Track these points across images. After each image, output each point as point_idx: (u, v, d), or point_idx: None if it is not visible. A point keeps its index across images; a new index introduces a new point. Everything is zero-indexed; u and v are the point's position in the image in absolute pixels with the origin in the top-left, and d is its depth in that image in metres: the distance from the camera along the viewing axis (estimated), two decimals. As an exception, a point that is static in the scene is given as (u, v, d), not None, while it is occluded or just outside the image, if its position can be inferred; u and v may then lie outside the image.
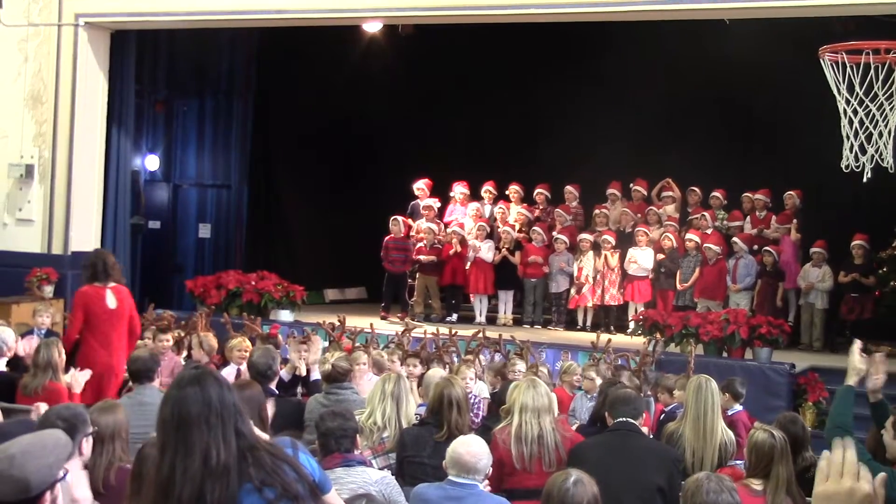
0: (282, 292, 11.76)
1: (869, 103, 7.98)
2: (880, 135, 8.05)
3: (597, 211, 13.22)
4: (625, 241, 12.70)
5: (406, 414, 5.73)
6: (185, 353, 8.60)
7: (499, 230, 13.16)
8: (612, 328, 12.38)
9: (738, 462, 5.91)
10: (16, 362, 7.40)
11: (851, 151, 8.15)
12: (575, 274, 12.58)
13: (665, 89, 13.52)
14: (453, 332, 9.74)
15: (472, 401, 6.62)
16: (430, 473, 5.05)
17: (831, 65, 8.11)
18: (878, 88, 7.88)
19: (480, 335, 9.56)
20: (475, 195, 13.76)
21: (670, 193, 13.16)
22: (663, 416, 6.98)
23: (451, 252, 12.91)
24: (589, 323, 12.71)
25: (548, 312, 12.96)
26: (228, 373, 7.69)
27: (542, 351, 9.64)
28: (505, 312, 13.00)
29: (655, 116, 13.65)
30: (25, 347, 7.71)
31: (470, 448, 4.46)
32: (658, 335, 10.17)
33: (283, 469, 2.76)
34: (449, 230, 13.14)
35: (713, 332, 9.88)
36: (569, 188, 13.52)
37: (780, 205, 12.57)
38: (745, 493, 4.39)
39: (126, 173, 13.03)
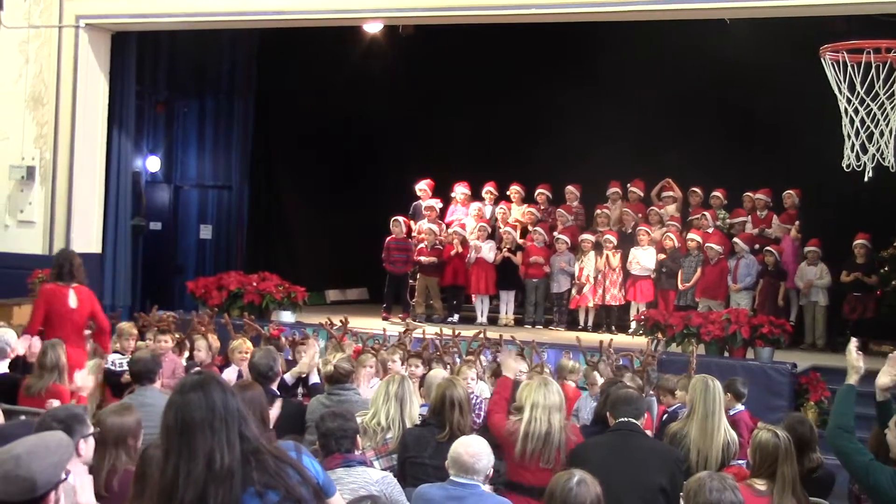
0: (283, 293, 11.76)
1: (870, 102, 7.97)
2: (881, 134, 8.05)
3: (598, 211, 13.23)
4: (626, 241, 12.70)
5: (410, 415, 5.73)
6: (185, 355, 8.60)
7: (500, 230, 13.16)
8: (613, 328, 12.40)
9: (740, 462, 5.90)
10: (15, 364, 7.39)
11: (852, 151, 8.14)
12: (576, 274, 12.58)
13: (665, 89, 13.51)
14: (455, 332, 9.73)
15: (473, 401, 6.62)
16: (431, 474, 5.05)
17: (832, 64, 8.10)
18: (879, 87, 7.88)
19: (481, 336, 9.55)
20: (476, 196, 13.75)
21: (671, 193, 13.16)
22: (666, 416, 6.97)
23: (453, 253, 12.91)
24: (590, 323, 12.71)
25: (549, 313, 12.96)
26: (230, 374, 7.71)
27: (544, 351, 9.64)
28: (506, 313, 12.99)
29: (656, 116, 13.66)
30: (24, 345, 7.70)
31: (469, 448, 4.46)
32: (659, 335, 10.17)
33: (286, 472, 2.76)
34: (450, 231, 13.14)
35: (715, 332, 9.87)
36: (570, 188, 13.52)
37: (779, 204, 12.57)
38: (748, 493, 4.38)
39: (127, 174, 13.03)
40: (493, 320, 12.88)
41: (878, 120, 8.03)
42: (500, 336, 9.57)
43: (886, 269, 11.70)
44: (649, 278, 12.36)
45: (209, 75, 14.91)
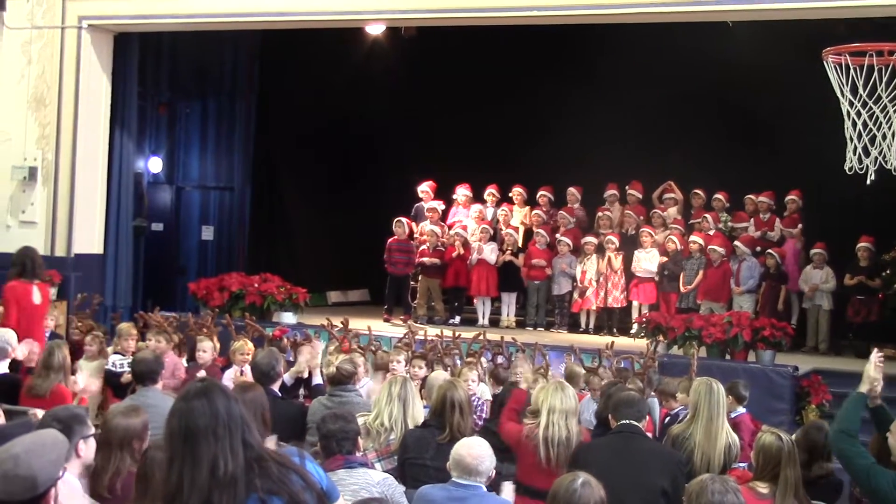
0: (285, 294, 11.77)
1: (872, 105, 7.96)
2: (884, 137, 8.03)
3: (600, 213, 13.23)
4: (628, 243, 12.70)
5: (413, 416, 5.73)
6: (186, 356, 8.59)
7: (502, 232, 13.17)
8: (614, 330, 12.39)
9: (741, 465, 5.90)
10: (15, 364, 7.40)
11: (855, 154, 8.12)
12: (578, 277, 12.57)
13: (667, 91, 13.51)
14: (456, 334, 9.73)
15: (474, 403, 6.62)
16: (432, 475, 5.05)
17: (835, 67, 8.09)
18: (882, 90, 7.86)
19: (482, 337, 9.55)
20: (478, 198, 13.76)
21: (672, 195, 13.15)
22: (668, 419, 6.96)
23: (454, 254, 12.91)
24: (592, 325, 12.71)
25: (550, 315, 12.96)
26: (230, 374, 7.70)
27: (547, 353, 9.62)
28: (508, 315, 12.99)
29: (657, 118, 13.66)
30: (24, 350, 7.70)
31: (472, 450, 4.46)
32: (661, 337, 10.16)
33: (290, 478, 2.78)
34: (452, 232, 13.14)
35: (716, 335, 9.87)
36: (571, 190, 13.52)
37: (782, 207, 12.55)
38: (751, 496, 4.37)
39: (129, 175, 13.04)
40: (494, 322, 12.88)
41: (881, 123, 8.02)
42: (502, 338, 9.57)
43: (889, 272, 11.68)
44: (652, 281, 12.36)
45: (211, 76, 14.92)
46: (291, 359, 8.39)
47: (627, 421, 5.11)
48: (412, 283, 13.30)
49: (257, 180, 14.86)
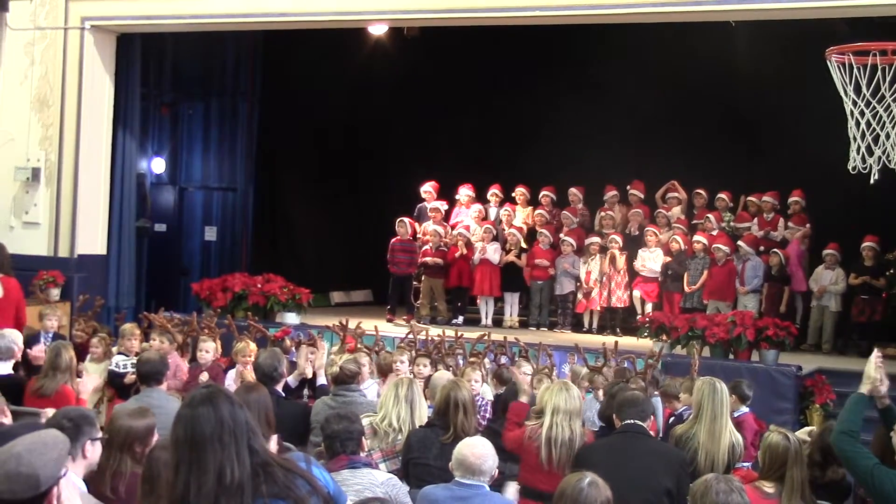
0: (288, 295, 11.77)
1: (876, 105, 7.94)
2: (887, 136, 8.02)
3: (602, 213, 13.22)
4: (631, 242, 12.69)
5: (420, 417, 5.73)
6: (189, 356, 8.59)
7: (505, 232, 13.16)
8: (618, 330, 12.39)
9: (745, 464, 5.89)
10: (17, 365, 7.39)
11: (858, 153, 8.11)
12: (583, 278, 12.56)
13: (670, 90, 13.51)
14: (459, 334, 9.73)
15: (477, 403, 6.61)
16: (435, 475, 5.05)
17: (838, 66, 8.08)
18: (885, 89, 7.85)
19: (485, 338, 9.55)
20: (481, 198, 13.76)
21: (675, 195, 13.14)
22: (672, 419, 6.95)
23: (457, 254, 12.91)
24: (595, 325, 12.70)
25: (554, 315, 12.95)
26: (233, 374, 7.70)
27: (551, 353, 9.62)
28: (511, 315, 12.99)
29: (660, 118, 13.65)
30: (29, 351, 7.71)
31: (475, 450, 4.46)
32: (664, 337, 10.15)
33: (296, 483, 2.78)
34: (454, 232, 13.15)
35: (719, 335, 9.86)
36: (573, 190, 13.52)
37: (786, 207, 12.53)
38: (756, 495, 4.37)
39: (132, 176, 13.05)
40: (497, 322, 12.88)
41: (884, 122, 8.00)
42: (505, 338, 9.57)
43: (893, 271, 11.66)
44: (655, 280, 12.35)
45: (214, 77, 14.94)
46: (295, 359, 8.39)
47: (632, 421, 5.10)
48: (415, 283, 13.30)
49: (260, 181, 14.87)
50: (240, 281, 11.85)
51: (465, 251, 12.91)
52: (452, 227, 13.36)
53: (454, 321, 12.74)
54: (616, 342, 9.60)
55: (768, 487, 4.49)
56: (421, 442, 5.38)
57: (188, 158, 15.12)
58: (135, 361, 7.05)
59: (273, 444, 3.94)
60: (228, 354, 8.37)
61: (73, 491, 3.10)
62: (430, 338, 9.60)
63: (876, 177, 8.15)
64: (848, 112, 8.14)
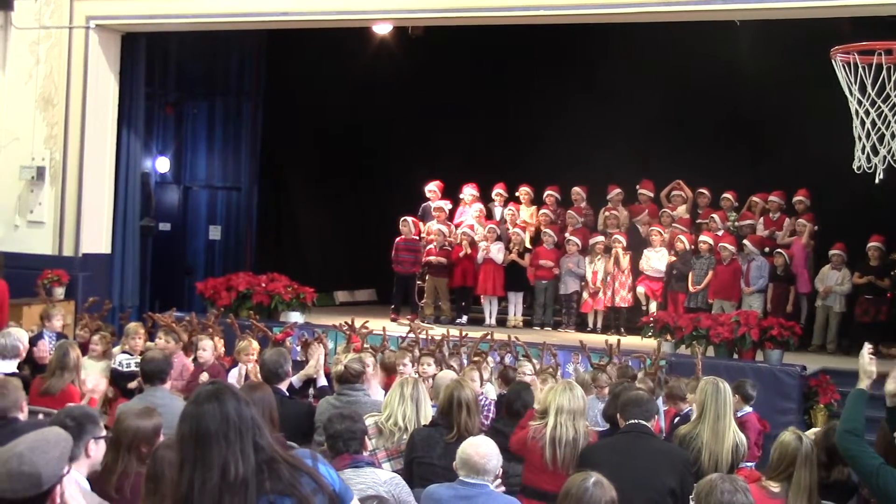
0: (292, 294, 11.78)
1: (881, 104, 7.93)
2: (892, 135, 8.00)
3: (606, 213, 13.20)
4: (635, 242, 12.67)
5: (425, 416, 5.74)
6: (192, 356, 8.58)
7: (509, 232, 13.16)
8: (622, 329, 12.38)
9: (748, 464, 5.88)
10: (22, 364, 7.40)
11: (863, 152, 8.10)
12: (589, 278, 12.54)
13: (674, 89, 13.48)
14: (463, 333, 9.72)
15: (481, 402, 6.61)
16: (439, 475, 5.05)
17: (843, 65, 8.06)
18: (890, 89, 7.83)
19: (489, 337, 9.54)
20: (484, 197, 13.75)
21: (680, 193, 13.12)
22: (678, 419, 6.94)
23: (461, 254, 12.91)
24: (599, 325, 12.69)
25: (558, 314, 12.94)
26: (235, 373, 7.70)
27: (555, 352, 9.61)
28: (515, 314, 12.98)
29: (664, 117, 13.63)
30: (34, 350, 7.72)
31: (479, 449, 4.46)
32: (668, 337, 10.14)
33: (301, 480, 2.77)
34: (458, 232, 13.14)
35: (724, 334, 9.85)
36: (576, 189, 13.50)
37: (791, 207, 12.50)
38: (762, 494, 4.36)
39: (136, 175, 13.07)
40: (501, 322, 12.88)
41: (890, 121, 7.99)
42: (509, 337, 9.56)
43: (896, 272, 11.65)
44: (660, 280, 12.34)
45: (218, 76, 14.95)
46: (298, 358, 8.39)
47: (636, 420, 5.10)
48: (419, 282, 13.30)
49: (264, 180, 14.87)
50: (244, 280, 11.86)
51: (469, 251, 12.90)
52: (456, 227, 13.36)
53: (458, 321, 12.74)
54: (619, 340, 9.58)
55: (774, 487, 4.48)
56: (425, 441, 5.38)
57: (192, 158, 15.13)
58: (139, 360, 7.07)
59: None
60: (232, 353, 8.37)
61: (75, 490, 3.10)
62: (430, 337, 9.60)
63: (881, 176, 8.13)
64: (853, 111, 8.13)
